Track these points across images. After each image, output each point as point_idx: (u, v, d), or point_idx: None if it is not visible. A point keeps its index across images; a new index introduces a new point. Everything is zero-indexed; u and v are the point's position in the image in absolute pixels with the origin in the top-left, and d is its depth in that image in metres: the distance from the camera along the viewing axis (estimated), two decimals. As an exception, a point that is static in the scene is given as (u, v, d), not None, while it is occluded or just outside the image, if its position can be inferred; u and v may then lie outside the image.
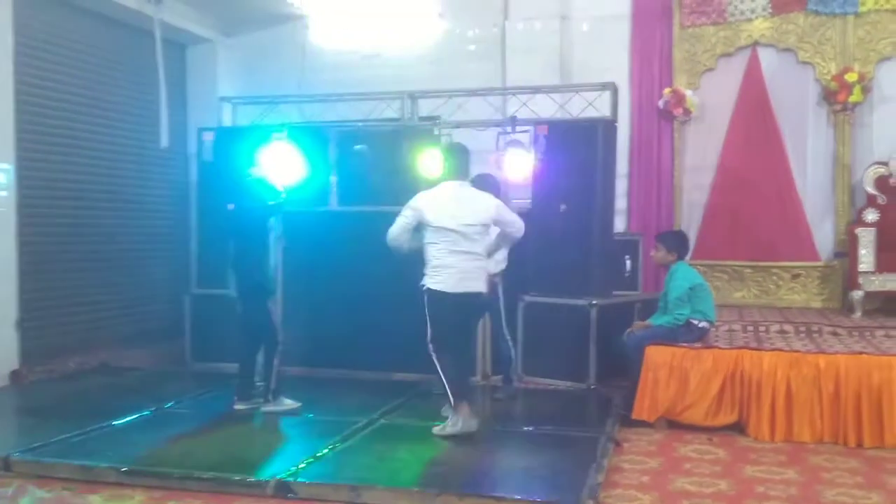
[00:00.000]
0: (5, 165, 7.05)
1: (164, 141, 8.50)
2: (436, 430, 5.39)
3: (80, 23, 8.26)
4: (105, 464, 4.59)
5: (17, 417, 6.49)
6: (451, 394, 5.34)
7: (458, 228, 5.34)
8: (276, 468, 4.53)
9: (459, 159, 5.63)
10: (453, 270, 5.35)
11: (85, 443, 5.11)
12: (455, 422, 5.32)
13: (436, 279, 5.35)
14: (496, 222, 5.57)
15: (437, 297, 5.34)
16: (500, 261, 6.20)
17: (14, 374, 7.04)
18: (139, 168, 9.02)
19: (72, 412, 5.99)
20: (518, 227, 5.66)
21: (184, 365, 7.88)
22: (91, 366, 7.76)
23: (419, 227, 5.43)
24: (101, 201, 8.49)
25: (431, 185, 5.76)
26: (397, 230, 5.43)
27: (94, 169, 8.40)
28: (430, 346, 5.37)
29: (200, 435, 5.48)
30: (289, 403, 6.05)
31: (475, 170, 6.19)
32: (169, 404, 6.26)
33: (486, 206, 5.52)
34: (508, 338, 6.53)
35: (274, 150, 6.77)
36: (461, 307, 5.43)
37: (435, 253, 5.36)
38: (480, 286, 5.51)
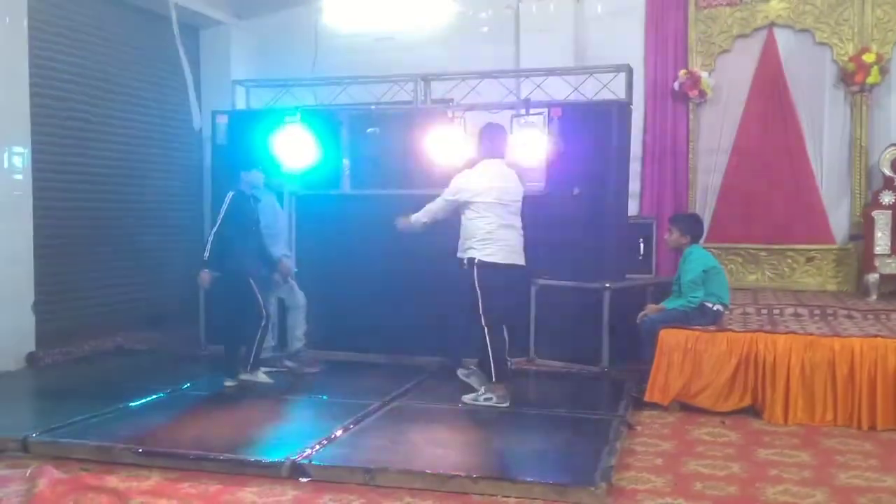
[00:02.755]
0: (21, 149, 7.07)
1: (197, 122, 8.48)
2: (467, 398, 5.67)
3: (93, 6, 8.26)
4: (121, 445, 4.63)
5: (34, 399, 6.56)
6: (496, 370, 5.59)
7: (508, 203, 5.65)
8: (291, 450, 4.53)
9: (500, 139, 5.95)
10: (503, 243, 5.60)
11: (101, 424, 5.15)
12: (489, 396, 5.61)
13: (486, 251, 5.56)
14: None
15: (490, 268, 5.55)
16: None
17: (30, 357, 7.09)
18: (153, 151, 9.04)
19: (88, 394, 6.04)
20: None
21: (198, 347, 7.92)
22: (106, 348, 7.83)
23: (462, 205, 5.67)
24: (116, 185, 8.51)
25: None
26: (439, 209, 5.72)
27: (108, 153, 8.42)
28: (483, 318, 5.55)
29: (215, 416, 5.52)
30: (263, 378, 6.23)
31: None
32: (184, 386, 6.31)
33: (519, 182, 5.90)
34: None
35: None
36: (510, 279, 5.66)
37: (484, 226, 5.58)
38: (523, 260, 5.77)
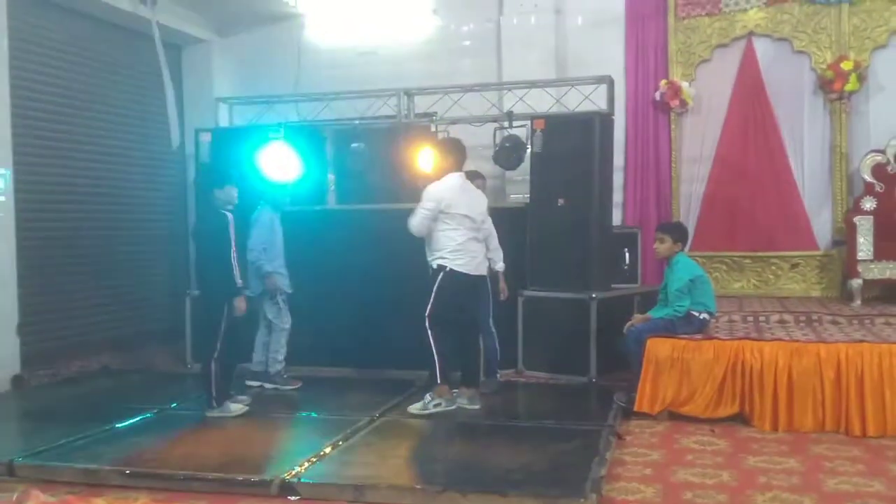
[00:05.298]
0: (2, 170, 7.03)
1: (175, 141, 8.45)
2: (414, 408, 5.77)
3: (75, 26, 8.25)
4: (109, 466, 4.60)
5: (20, 422, 6.49)
6: (439, 370, 5.76)
7: (475, 217, 5.82)
8: (280, 468, 4.52)
9: (461, 153, 6.04)
10: (472, 255, 5.82)
11: (88, 446, 5.11)
12: (438, 402, 5.75)
13: (457, 262, 5.75)
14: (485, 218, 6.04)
15: (456, 276, 5.74)
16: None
17: (16, 379, 7.04)
18: (137, 170, 9.01)
19: (74, 416, 5.99)
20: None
21: (185, 366, 7.88)
22: (92, 369, 7.78)
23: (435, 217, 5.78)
24: (100, 204, 8.49)
25: (428, 180, 5.97)
26: (421, 222, 5.75)
27: (91, 172, 8.39)
28: (428, 320, 5.75)
29: (203, 436, 5.49)
30: (235, 409, 5.90)
31: (471, 165, 6.25)
32: (171, 406, 6.27)
33: (484, 198, 6.13)
34: (493, 331, 6.51)
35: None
36: (473, 288, 5.90)
37: (456, 237, 5.74)
38: (486, 270, 6.03)
